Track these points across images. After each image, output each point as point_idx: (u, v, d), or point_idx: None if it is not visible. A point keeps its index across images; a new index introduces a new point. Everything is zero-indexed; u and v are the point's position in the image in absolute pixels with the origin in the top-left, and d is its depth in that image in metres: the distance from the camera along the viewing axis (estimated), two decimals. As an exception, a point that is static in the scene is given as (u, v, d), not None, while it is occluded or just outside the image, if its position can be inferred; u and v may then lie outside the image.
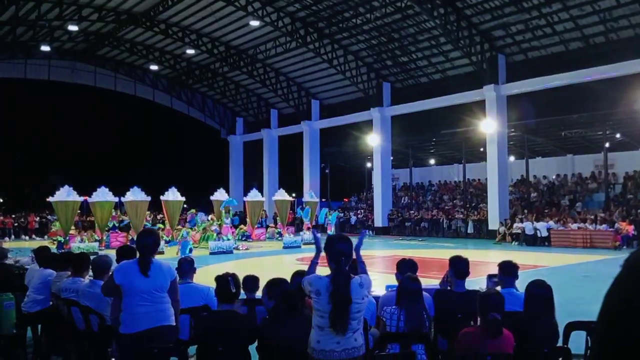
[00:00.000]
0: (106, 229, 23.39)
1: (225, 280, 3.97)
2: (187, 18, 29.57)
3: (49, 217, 32.07)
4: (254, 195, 28.40)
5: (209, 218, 25.10)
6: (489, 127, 25.69)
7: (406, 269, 4.89)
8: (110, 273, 4.50)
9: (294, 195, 32.22)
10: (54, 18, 27.24)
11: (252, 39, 31.54)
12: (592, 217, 22.87)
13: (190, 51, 33.38)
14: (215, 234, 22.28)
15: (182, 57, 35.19)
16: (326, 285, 3.37)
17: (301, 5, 27.45)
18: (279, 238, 26.41)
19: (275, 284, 3.97)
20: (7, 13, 25.15)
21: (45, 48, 31.12)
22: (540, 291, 3.88)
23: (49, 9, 26.53)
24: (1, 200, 38.04)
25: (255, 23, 28.58)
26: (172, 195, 24.04)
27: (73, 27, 28.94)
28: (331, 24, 28.31)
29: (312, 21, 28.77)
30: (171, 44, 33.22)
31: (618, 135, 27.07)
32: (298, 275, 4.63)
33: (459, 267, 4.73)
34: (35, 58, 33.72)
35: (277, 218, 29.82)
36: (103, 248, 21.37)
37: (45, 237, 28.08)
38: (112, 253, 6.83)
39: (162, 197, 23.87)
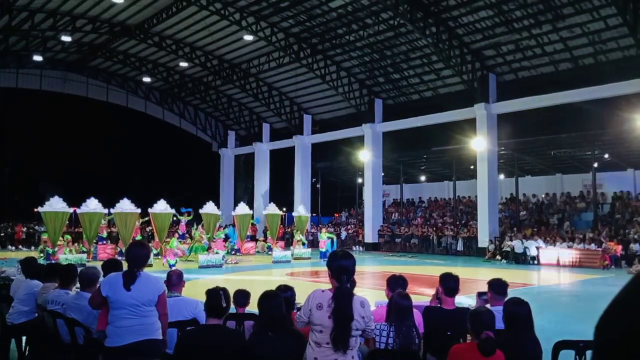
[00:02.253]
0: (94, 240, 23.21)
1: (216, 295, 3.93)
2: (181, 31, 29.70)
3: (36, 227, 31.76)
4: (242, 209, 28.30)
5: (200, 229, 24.99)
6: (479, 145, 25.90)
7: (396, 285, 4.88)
8: (98, 285, 4.46)
9: (284, 209, 32.17)
10: (48, 28, 27.25)
11: (246, 53, 31.71)
12: (581, 236, 23.01)
13: (184, 64, 33.47)
14: (205, 247, 22.15)
15: (175, 69, 35.27)
16: (328, 301, 3.35)
17: (295, 21, 27.67)
18: (269, 252, 26.30)
19: (265, 298, 3.94)
20: (0, 22, 25.12)
21: (37, 58, 31.07)
22: (521, 309, 3.89)
23: (42, 19, 26.54)
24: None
25: (249, 38, 28.77)
26: (161, 207, 23.92)
27: (66, 38, 28.95)
28: (324, 40, 28.55)
29: (306, 37, 29.00)
30: (164, 57, 33.31)
31: (607, 156, 27.39)
32: (282, 290, 4.60)
33: (449, 284, 4.73)
34: (28, 67, 33.64)
35: (267, 232, 29.71)
36: (91, 259, 21.15)
37: (33, 247, 27.76)
38: (99, 264, 6.76)
39: (150, 210, 23.74)
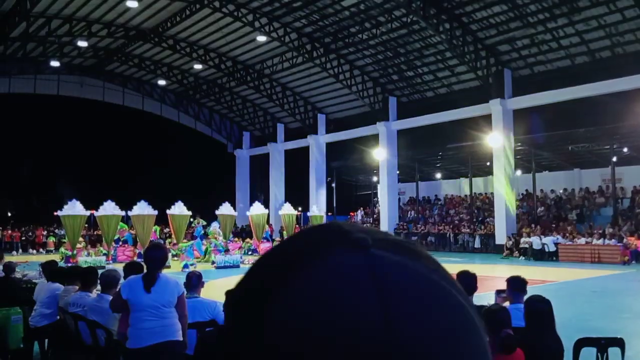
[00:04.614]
0: (113, 242, 23.49)
1: (234, 296, 3.96)
2: (195, 34, 29.90)
3: (56, 230, 32.24)
4: (257, 209, 28.34)
5: (218, 229, 25.04)
6: (495, 141, 25.67)
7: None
8: (119, 289, 4.52)
9: (300, 209, 32.21)
10: (64, 34, 27.62)
11: (259, 54, 31.81)
12: (600, 231, 22.71)
13: (198, 66, 33.69)
14: (221, 249, 22.28)
15: (189, 72, 35.51)
16: None
17: (308, 21, 27.70)
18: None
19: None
20: (17, 29, 25.52)
21: (54, 63, 31.50)
22: (541, 307, 3.86)
23: (59, 25, 26.90)
24: (10, 214, 38.25)
25: (262, 38, 28.86)
26: (179, 209, 24.07)
27: (82, 43, 29.31)
28: (337, 39, 28.53)
29: (319, 36, 29.00)
30: (179, 59, 33.55)
31: (625, 149, 26.98)
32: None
33: (466, 282, 4.69)
34: (45, 73, 34.13)
35: (284, 232, 29.79)
36: (110, 262, 21.39)
37: (54, 250, 28.18)
38: (118, 267, 6.85)
39: (168, 212, 23.93)
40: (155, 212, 23.18)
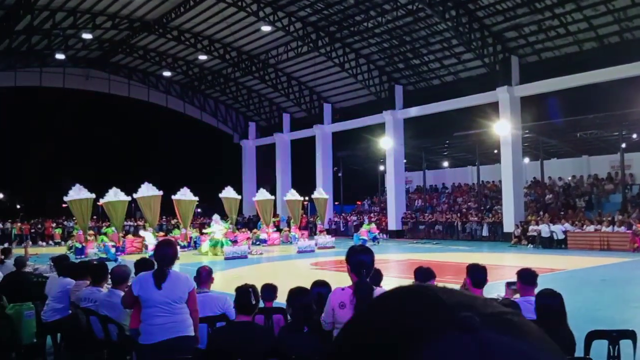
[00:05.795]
0: (122, 228, 23.67)
1: (245, 292, 3.98)
2: (199, 24, 29.81)
3: (65, 222, 32.48)
4: (263, 194, 28.51)
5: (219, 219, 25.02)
6: (502, 129, 25.51)
7: (423, 277, 4.86)
8: (130, 285, 4.55)
9: (306, 198, 32.25)
10: (69, 27, 27.61)
11: (264, 44, 31.69)
12: (609, 219, 22.58)
13: (203, 57, 33.61)
14: (228, 242, 22.32)
15: (194, 63, 35.45)
16: (350, 298, 3.36)
17: (312, 10, 27.52)
18: (293, 242, 26.42)
19: (296, 294, 3.97)
20: (22, 22, 25.51)
21: (59, 56, 31.51)
22: (551, 301, 3.84)
23: (63, 18, 26.89)
24: (19, 207, 38.56)
25: (266, 28, 28.74)
26: (183, 194, 24.11)
27: (87, 35, 29.29)
28: (342, 27, 28.35)
29: (324, 25, 28.83)
30: (184, 50, 33.49)
31: (634, 136, 26.74)
32: (317, 285, 4.63)
33: (476, 275, 4.68)
34: (50, 66, 34.15)
35: (291, 222, 29.86)
36: (120, 254, 21.50)
37: (63, 242, 28.36)
38: (127, 258, 6.90)
39: (173, 197, 23.96)
40: (161, 193, 23.17)
